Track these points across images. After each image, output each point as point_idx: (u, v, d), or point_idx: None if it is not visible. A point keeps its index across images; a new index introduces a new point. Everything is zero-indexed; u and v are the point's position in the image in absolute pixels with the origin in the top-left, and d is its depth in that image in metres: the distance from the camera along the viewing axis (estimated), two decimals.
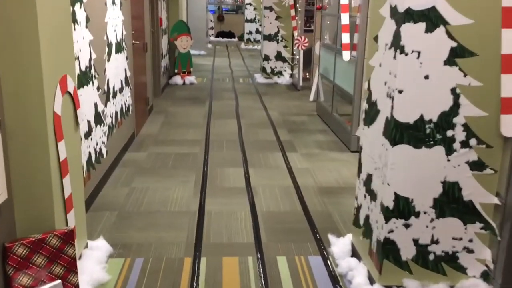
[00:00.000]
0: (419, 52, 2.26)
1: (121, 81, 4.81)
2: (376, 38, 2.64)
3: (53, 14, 2.31)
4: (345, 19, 5.21)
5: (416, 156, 2.38)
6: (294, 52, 9.17)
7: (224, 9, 20.95)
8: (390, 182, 2.41)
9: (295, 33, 8.94)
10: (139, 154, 5.02)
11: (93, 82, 3.72)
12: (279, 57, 9.65)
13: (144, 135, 5.73)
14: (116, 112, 4.59)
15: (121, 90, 4.78)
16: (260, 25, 16.62)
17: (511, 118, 2.29)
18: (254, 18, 16.91)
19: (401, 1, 2.27)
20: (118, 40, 4.66)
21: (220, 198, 3.94)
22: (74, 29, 3.25)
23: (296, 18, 8.86)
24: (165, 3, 8.67)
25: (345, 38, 5.23)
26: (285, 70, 9.71)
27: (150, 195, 3.93)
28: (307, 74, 9.40)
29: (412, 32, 2.24)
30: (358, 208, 2.90)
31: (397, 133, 2.36)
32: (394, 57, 2.33)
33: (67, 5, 2.56)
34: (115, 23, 4.52)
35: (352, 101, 5.25)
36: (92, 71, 3.71)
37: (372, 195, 2.64)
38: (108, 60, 4.25)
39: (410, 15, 2.23)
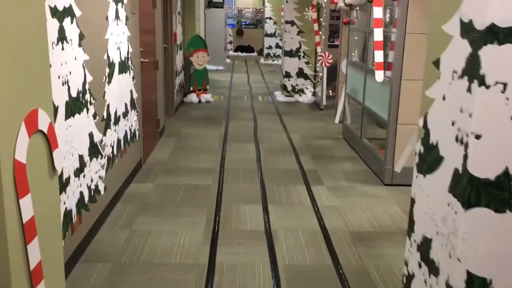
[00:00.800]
0: (505, 84, 1.65)
1: (126, 105, 4.29)
2: (437, 63, 2.04)
3: (14, 32, 1.77)
4: (378, 35, 4.61)
5: (498, 224, 1.75)
6: (317, 69, 8.59)
7: (243, 23, 20.57)
8: (462, 257, 1.79)
9: (318, 49, 8.37)
10: (145, 185, 4.46)
11: (87, 109, 3.19)
12: (300, 74, 9.08)
13: (153, 162, 5.19)
14: (119, 140, 4.05)
15: (125, 114, 4.26)
16: (281, 40, 16.16)
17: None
18: (274, 33, 16.42)
19: (479, 15, 1.67)
20: (123, 58, 4.15)
21: (234, 246, 3.34)
22: (63, 49, 2.72)
23: (320, 33, 8.29)
24: (181, 17, 8.21)
25: (378, 56, 4.62)
26: (307, 88, 9.13)
27: (152, 241, 3.35)
28: (331, 92, 8.81)
29: (497, 57, 1.64)
30: (409, 277, 2.27)
31: (473, 192, 1.74)
32: (469, 90, 1.73)
33: (40, 20, 2.02)
34: (119, 40, 4.01)
35: (386, 127, 4.62)
36: (87, 96, 3.18)
37: (432, 267, 2.02)
38: (109, 82, 3.73)
39: (494, 34, 1.63)
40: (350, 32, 6.18)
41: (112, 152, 3.84)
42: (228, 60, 16.17)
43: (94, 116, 3.34)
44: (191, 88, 8.72)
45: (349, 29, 6.19)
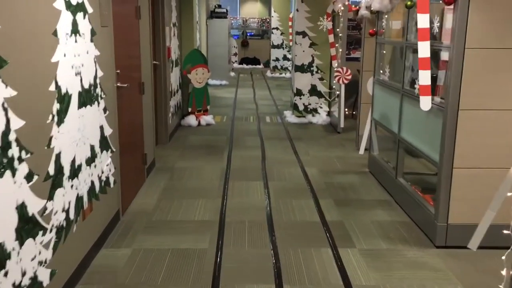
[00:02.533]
0: None
1: (92, 147, 3.22)
2: None
3: None
4: (424, 50, 3.52)
5: None
6: (334, 86, 7.51)
7: (248, 34, 19.58)
8: None
9: (335, 63, 7.30)
10: (119, 252, 3.38)
11: (13, 169, 2.12)
12: (313, 91, 8.00)
13: (135, 212, 4.10)
14: (79, 198, 2.98)
15: (91, 160, 3.19)
16: (289, 51, 15.12)
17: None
18: (282, 44, 15.39)
19: None
20: (87, 86, 3.09)
21: None
22: None
23: (336, 45, 7.22)
24: (177, 29, 7.18)
25: (424, 77, 3.53)
26: (321, 107, 8.04)
27: None
28: (346, 110, 7.73)
29: None
30: None
31: None
32: None
33: None
34: (80, 63, 2.95)
35: (439, 172, 3.51)
36: (13, 149, 2.11)
37: None
38: (61, 121, 2.66)
39: None
40: (378, 45, 5.10)
41: (67, 217, 2.76)
42: (232, 74, 15.14)
43: (28, 176, 2.26)
44: (190, 110, 7.66)
45: (376, 41, 5.11)
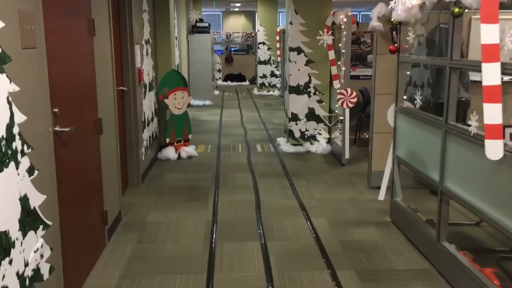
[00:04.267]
0: None
1: (6, 233, 2.08)
2: None
3: None
4: (492, 74, 2.47)
5: None
6: (336, 111, 6.46)
7: (232, 49, 18.56)
8: None
9: (336, 84, 6.26)
10: None
11: None
12: (311, 116, 6.95)
13: None
14: None
15: (6, 251, 2.04)
16: (276, 67, 14.14)
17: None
18: (269, 59, 14.38)
19: None
20: None
21: None
22: None
23: (338, 63, 6.20)
24: (150, 47, 6.07)
25: (493, 114, 2.48)
26: (320, 134, 6.99)
27: None
28: (355, 135, 6.69)
29: None
30: None
31: None
32: None
33: None
34: None
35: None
36: None
37: None
38: None
39: None
40: (400, 64, 4.05)
41: None
42: (216, 92, 14.06)
43: None
44: (168, 140, 6.53)
45: (398, 60, 4.06)
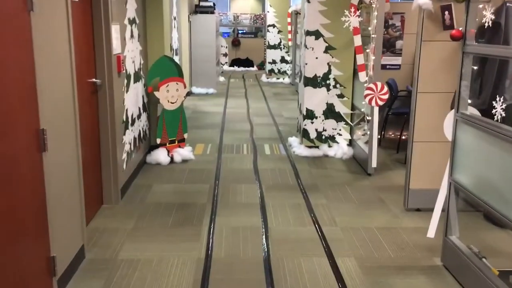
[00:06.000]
0: None
1: None
2: None
3: None
4: None
5: None
6: (363, 109, 5.35)
7: (240, 32, 17.38)
8: None
9: (363, 76, 5.14)
10: None
11: None
12: (330, 113, 5.85)
13: None
14: None
15: None
16: (287, 53, 12.99)
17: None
18: (279, 44, 13.21)
19: None
20: None
21: None
22: None
23: (367, 51, 5.07)
24: (137, 28, 4.97)
25: None
26: (340, 135, 5.90)
27: None
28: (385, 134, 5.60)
29: None
30: None
31: None
32: None
33: None
34: None
35: None
36: None
37: None
38: None
39: None
40: (465, 56, 2.94)
41: None
42: (221, 79, 12.96)
43: None
44: (159, 140, 5.47)
45: (463, 50, 2.94)
